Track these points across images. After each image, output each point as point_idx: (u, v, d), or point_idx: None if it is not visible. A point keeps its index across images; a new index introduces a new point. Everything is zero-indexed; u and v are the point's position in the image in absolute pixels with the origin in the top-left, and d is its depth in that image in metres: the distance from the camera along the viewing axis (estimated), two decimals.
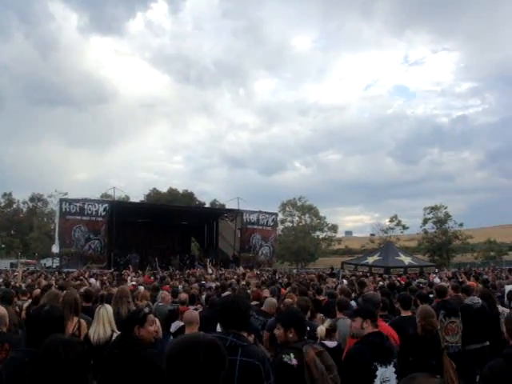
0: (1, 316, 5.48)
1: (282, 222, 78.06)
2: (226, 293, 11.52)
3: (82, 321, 6.88)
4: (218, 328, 7.83)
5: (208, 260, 38.32)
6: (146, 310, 5.72)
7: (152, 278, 21.74)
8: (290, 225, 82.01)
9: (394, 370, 5.14)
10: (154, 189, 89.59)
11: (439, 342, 6.88)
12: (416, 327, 6.73)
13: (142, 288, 15.13)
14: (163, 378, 2.32)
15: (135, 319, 5.07)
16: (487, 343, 8.90)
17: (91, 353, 5.99)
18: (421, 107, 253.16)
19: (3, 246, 71.35)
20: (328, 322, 6.73)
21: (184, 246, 51.50)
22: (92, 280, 17.31)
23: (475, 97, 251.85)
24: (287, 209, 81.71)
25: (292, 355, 4.75)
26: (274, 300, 9.58)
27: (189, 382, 2.25)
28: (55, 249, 43.98)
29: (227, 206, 52.33)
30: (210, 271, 29.26)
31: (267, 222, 49.66)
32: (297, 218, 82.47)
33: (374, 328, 5.41)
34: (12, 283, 15.96)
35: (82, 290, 10.30)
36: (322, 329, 6.53)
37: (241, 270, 31.82)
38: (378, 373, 5.08)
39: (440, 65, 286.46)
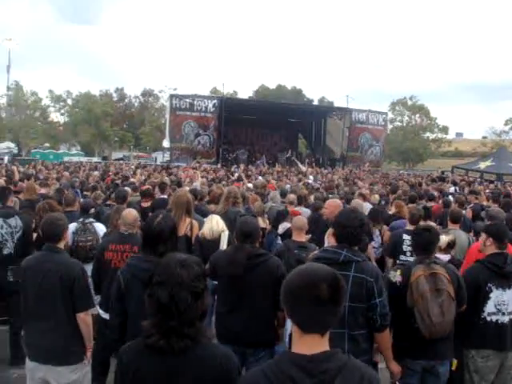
0: (134, 218, 5.69)
1: (391, 121, 75.99)
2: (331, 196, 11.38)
3: (194, 221, 7.04)
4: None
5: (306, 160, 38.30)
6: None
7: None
8: (400, 125, 79.86)
9: None
10: (263, 85, 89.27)
11: None
12: None
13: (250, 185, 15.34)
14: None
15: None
16: None
17: (206, 248, 6.20)
18: None
19: (116, 139, 74.01)
20: (449, 236, 6.32)
21: (291, 143, 51.31)
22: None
23: None
24: (397, 108, 79.34)
25: (398, 272, 4.67)
26: None
27: (308, 315, 2.22)
28: (166, 143, 45.11)
29: (336, 104, 51.38)
30: (303, 169, 28.89)
31: (377, 121, 48.39)
32: (406, 118, 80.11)
33: (498, 249, 5.08)
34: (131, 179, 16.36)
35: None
36: (444, 240, 5.99)
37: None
38: (492, 295, 4.89)
39: None
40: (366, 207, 9.78)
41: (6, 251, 7.05)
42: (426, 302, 4.36)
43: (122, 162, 42.08)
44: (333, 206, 7.54)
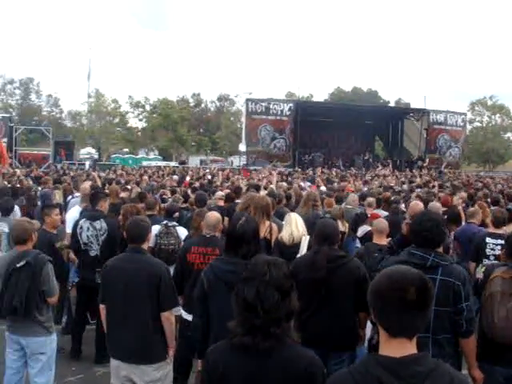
0: (216, 221, 5.74)
1: (471, 122, 74.00)
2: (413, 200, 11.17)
3: (274, 225, 7.03)
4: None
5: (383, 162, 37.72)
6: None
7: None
8: (479, 125, 77.75)
9: None
10: (338, 87, 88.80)
11: None
12: None
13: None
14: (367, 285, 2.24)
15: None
16: None
17: (286, 253, 6.20)
18: None
19: (193, 143, 75.08)
20: None
21: (367, 145, 50.76)
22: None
23: None
24: (476, 108, 77.28)
25: (482, 269, 4.57)
26: None
27: (396, 319, 2.19)
28: (242, 147, 45.50)
29: (413, 105, 50.43)
30: (386, 173, 28.53)
31: (456, 121, 47.22)
32: (486, 118, 77.93)
33: None
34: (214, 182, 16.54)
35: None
36: None
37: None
38: None
39: None
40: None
41: (92, 253, 7.29)
42: (493, 302, 4.25)
43: (199, 166, 42.66)
44: (414, 209, 7.44)
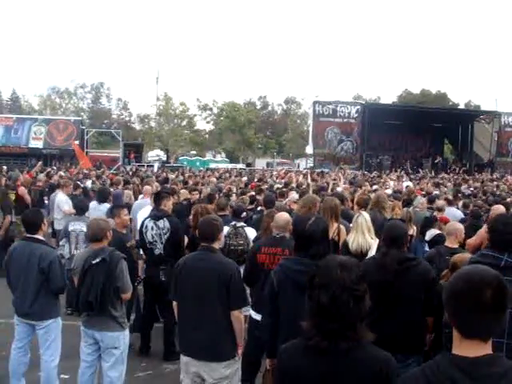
0: (286, 221, 5.73)
1: None
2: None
3: (342, 226, 7.01)
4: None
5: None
6: None
7: None
8: None
9: None
10: (406, 89, 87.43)
11: None
12: None
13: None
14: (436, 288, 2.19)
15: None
16: None
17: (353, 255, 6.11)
18: None
19: (260, 146, 75.43)
20: None
21: (436, 148, 49.66)
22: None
23: None
24: None
25: None
26: None
27: (470, 320, 2.16)
28: (309, 149, 45.43)
29: (483, 108, 49.08)
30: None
31: None
32: None
33: None
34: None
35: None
36: None
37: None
38: None
39: None
40: None
41: (156, 252, 7.49)
42: None
43: (266, 168, 42.85)
44: (496, 212, 7.29)
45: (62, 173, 21.81)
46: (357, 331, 2.56)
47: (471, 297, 2.13)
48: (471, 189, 18.97)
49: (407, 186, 18.16)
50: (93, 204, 10.65)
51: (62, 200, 11.61)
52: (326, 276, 2.62)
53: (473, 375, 2.08)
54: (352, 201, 10.71)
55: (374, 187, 16.22)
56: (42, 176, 17.20)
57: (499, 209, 7.86)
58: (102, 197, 10.82)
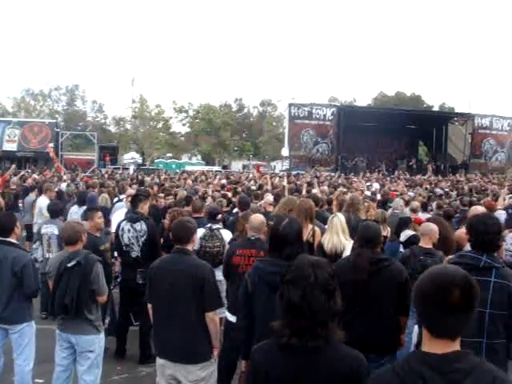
0: (260, 223, 5.77)
1: None
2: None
3: (317, 228, 7.02)
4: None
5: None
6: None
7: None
8: None
9: None
10: (381, 92, 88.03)
11: None
12: None
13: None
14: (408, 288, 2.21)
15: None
16: None
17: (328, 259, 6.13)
18: None
19: (236, 148, 75.43)
20: None
21: (411, 150, 50.11)
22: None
23: None
24: None
25: None
26: None
27: (438, 320, 2.18)
28: (284, 152, 45.44)
29: (457, 110, 49.59)
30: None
31: (502, 126, 46.09)
32: None
33: None
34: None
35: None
36: None
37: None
38: None
39: None
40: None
41: (133, 254, 7.48)
42: None
43: (242, 171, 42.91)
44: (475, 212, 7.37)
45: (35, 176, 21.59)
46: (328, 329, 2.57)
47: (439, 297, 2.15)
48: (445, 189, 19.16)
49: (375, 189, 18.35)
50: (74, 208, 10.59)
51: (45, 205, 11.47)
52: (297, 272, 2.64)
53: (441, 370, 2.11)
54: (328, 203, 10.78)
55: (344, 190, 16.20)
56: (15, 179, 17.04)
57: (478, 209, 7.90)
58: (83, 200, 10.75)
